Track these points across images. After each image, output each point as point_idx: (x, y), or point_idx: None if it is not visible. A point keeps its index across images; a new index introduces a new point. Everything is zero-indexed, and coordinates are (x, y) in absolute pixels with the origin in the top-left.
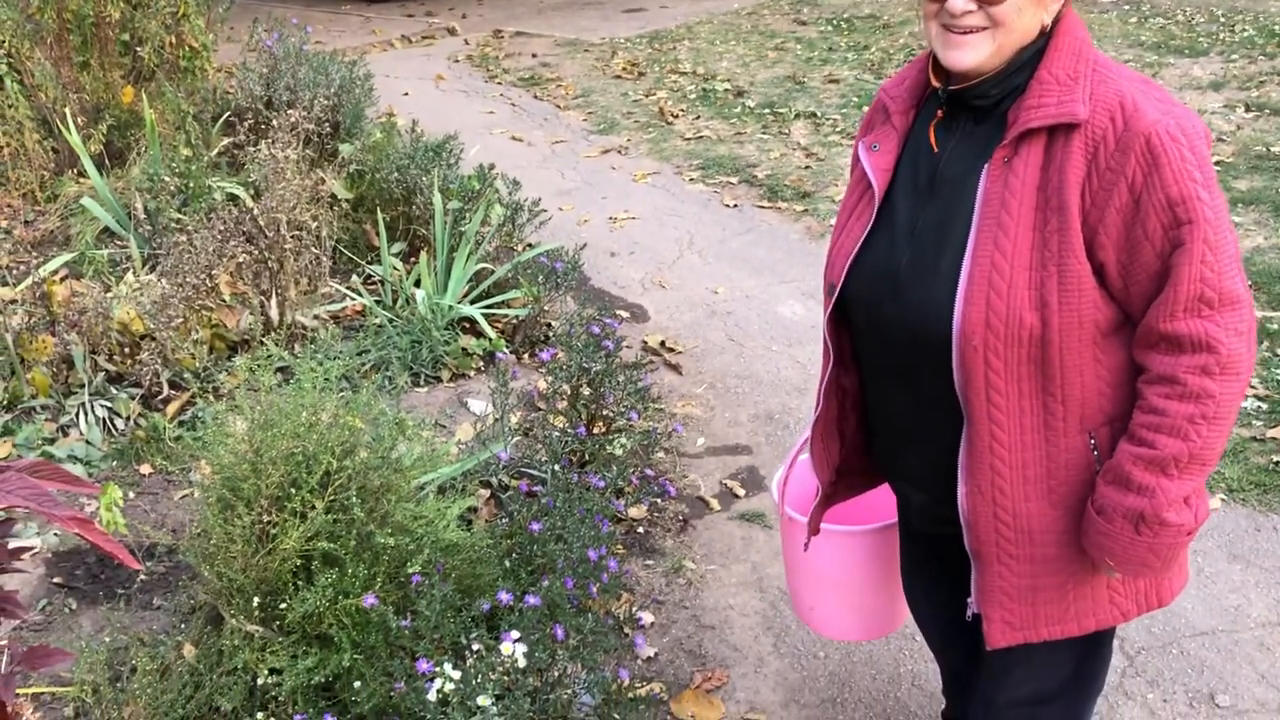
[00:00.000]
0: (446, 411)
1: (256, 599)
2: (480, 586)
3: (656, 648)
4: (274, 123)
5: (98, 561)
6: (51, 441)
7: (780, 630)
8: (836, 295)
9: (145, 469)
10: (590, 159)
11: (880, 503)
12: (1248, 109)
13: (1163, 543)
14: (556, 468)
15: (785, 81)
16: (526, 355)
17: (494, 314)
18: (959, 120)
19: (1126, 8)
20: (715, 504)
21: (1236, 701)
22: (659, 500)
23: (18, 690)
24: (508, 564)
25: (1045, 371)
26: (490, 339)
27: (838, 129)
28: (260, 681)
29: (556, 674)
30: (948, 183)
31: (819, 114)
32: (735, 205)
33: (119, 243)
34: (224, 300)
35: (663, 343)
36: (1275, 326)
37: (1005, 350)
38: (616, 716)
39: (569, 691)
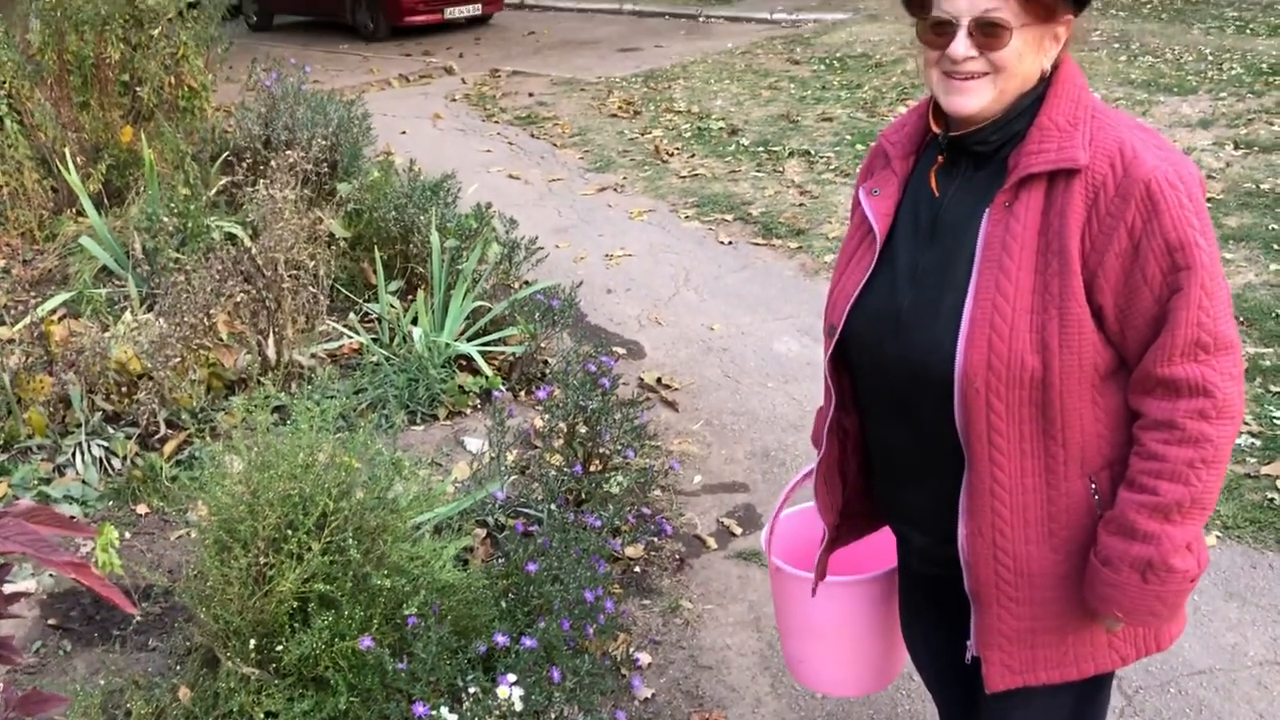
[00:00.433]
0: (443, 450)
1: (253, 641)
2: (476, 628)
3: (654, 689)
4: (272, 162)
5: (93, 603)
6: (48, 481)
7: (778, 670)
8: (838, 336)
9: (142, 509)
10: (587, 197)
11: (879, 547)
12: (1236, 146)
13: (1169, 590)
14: (553, 507)
15: (779, 120)
16: (523, 393)
17: (491, 351)
18: (959, 166)
19: (1116, 46)
20: (712, 542)
21: None
22: (656, 539)
23: None
24: (504, 605)
25: (1046, 414)
26: (487, 376)
27: (831, 167)
28: None
29: (553, 717)
30: (949, 227)
31: (813, 152)
32: (730, 242)
33: (117, 282)
34: (221, 340)
35: (659, 379)
36: (1268, 363)
37: (1007, 392)
38: None
39: None
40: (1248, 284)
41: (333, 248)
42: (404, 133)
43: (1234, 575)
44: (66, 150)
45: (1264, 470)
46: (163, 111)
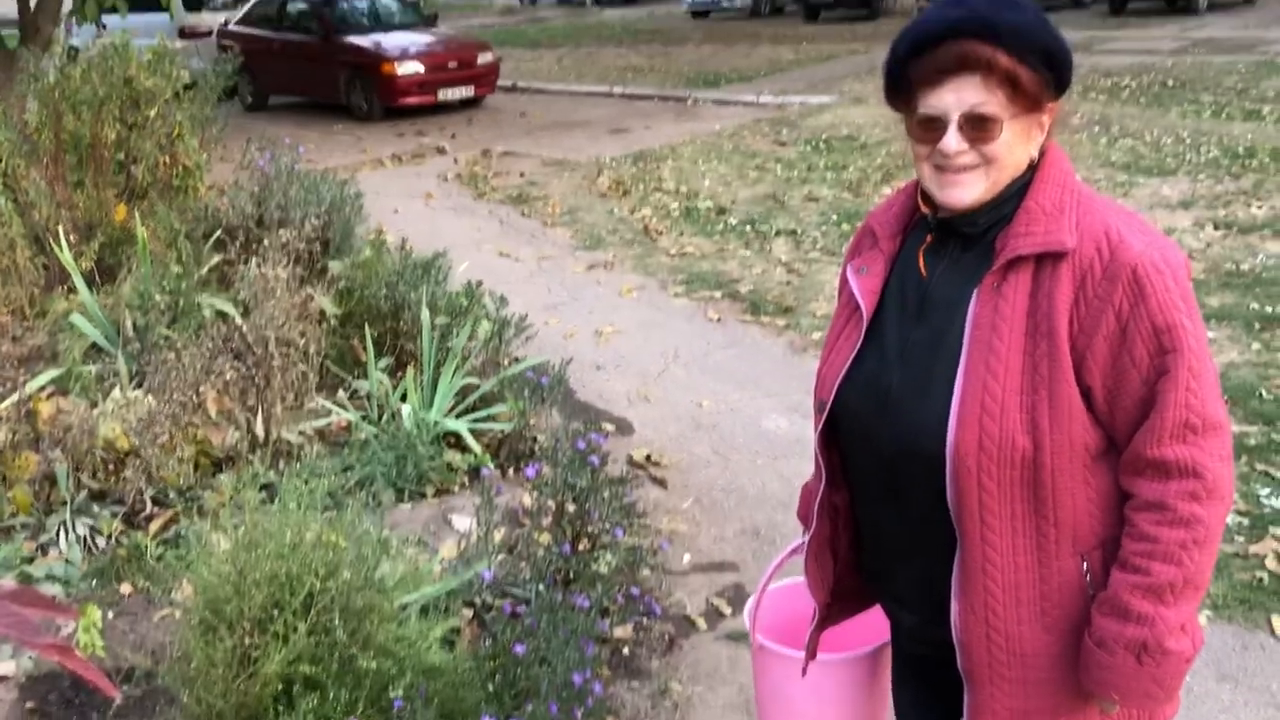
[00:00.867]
0: (430, 528)
1: None
2: (463, 711)
3: None
4: (265, 240)
5: (72, 686)
6: (30, 560)
7: None
8: (828, 412)
9: (126, 588)
10: (577, 274)
11: (867, 623)
12: (1216, 227)
13: (1165, 671)
14: (541, 587)
15: (766, 200)
16: (512, 470)
17: (480, 428)
18: (948, 246)
19: (1097, 129)
20: (702, 623)
21: None
22: (645, 619)
23: None
24: (491, 687)
25: (1038, 494)
26: (475, 454)
27: (818, 245)
28: None
29: None
30: (937, 306)
31: (799, 231)
32: (719, 319)
33: (107, 359)
34: (210, 417)
35: (648, 456)
36: (1253, 442)
37: (999, 472)
38: None
39: None
40: (1231, 363)
41: (323, 325)
42: (396, 211)
43: (1225, 656)
44: (60, 228)
45: (1252, 549)
46: (157, 190)
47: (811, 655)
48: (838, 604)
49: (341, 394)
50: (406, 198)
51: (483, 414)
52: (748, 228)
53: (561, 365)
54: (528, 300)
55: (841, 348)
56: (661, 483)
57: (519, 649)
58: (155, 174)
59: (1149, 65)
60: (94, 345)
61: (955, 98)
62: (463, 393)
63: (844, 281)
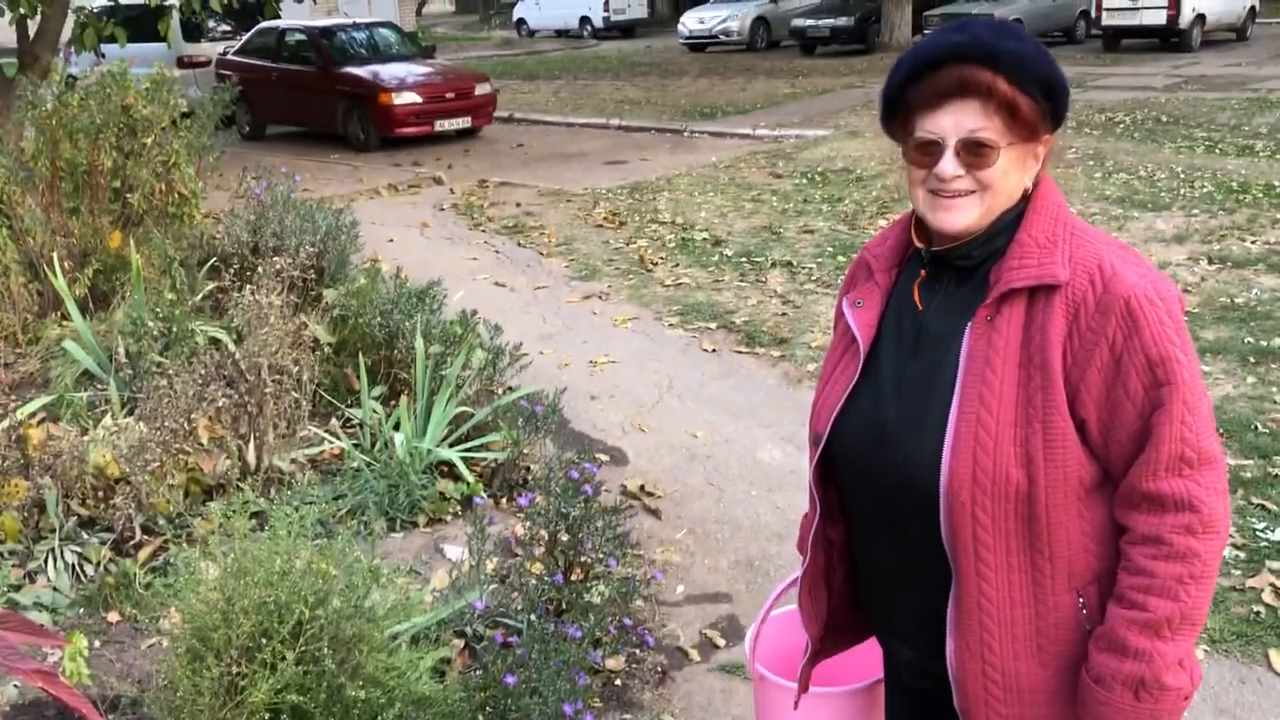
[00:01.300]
0: (422, 558)
1: None
2: None
3: None
4: (259, 268)
5: (58, 714)
6: (18, 588)
7: None
8: (823, 446)
9: (113, 616)
10: (572, 304)
11: (865, 657)
12: (1210, 261)
13: (1163, 708)
14: (533, 617)
15: (762, 231)
16: (505, 499)
17: (473, 458)
18: (942, 280)
19: (1091, 164)
20: (695, 654)
21: None
22: (637, 651)
23: None
24: (481, 718)
25: (1032, 528)
26: (468, 483)
27: (813, 277)
28: None
29: None
30: (932, 340)
31: (795, 263)
32: (714, 350)
33: (99, 386)
34: (202, 444)
35: (642, 487)
36: (1249, 475)
37: (993, 506)
38: None
39: None
40: (1226, 396)
41: (317, 353)
42: (391, 240)
43: (1223, 690)
44: (55, 254)
45: (1249, 583)
46: (152, 217)
47: (804, 688)
48: (831, 637)
49: (334, 422)
50: (402, 227)
51: (476, 443)
52: (743, 259)
53: (556, 395)
54: (522, 330)
55: (837, 381)
56: (655, 513)
57: (510, 679)
58: (151, 201)
59: (1143, 101)
60: (86, 372)
61: (953, 122)
62: (456, 421)
63: (839, 315)
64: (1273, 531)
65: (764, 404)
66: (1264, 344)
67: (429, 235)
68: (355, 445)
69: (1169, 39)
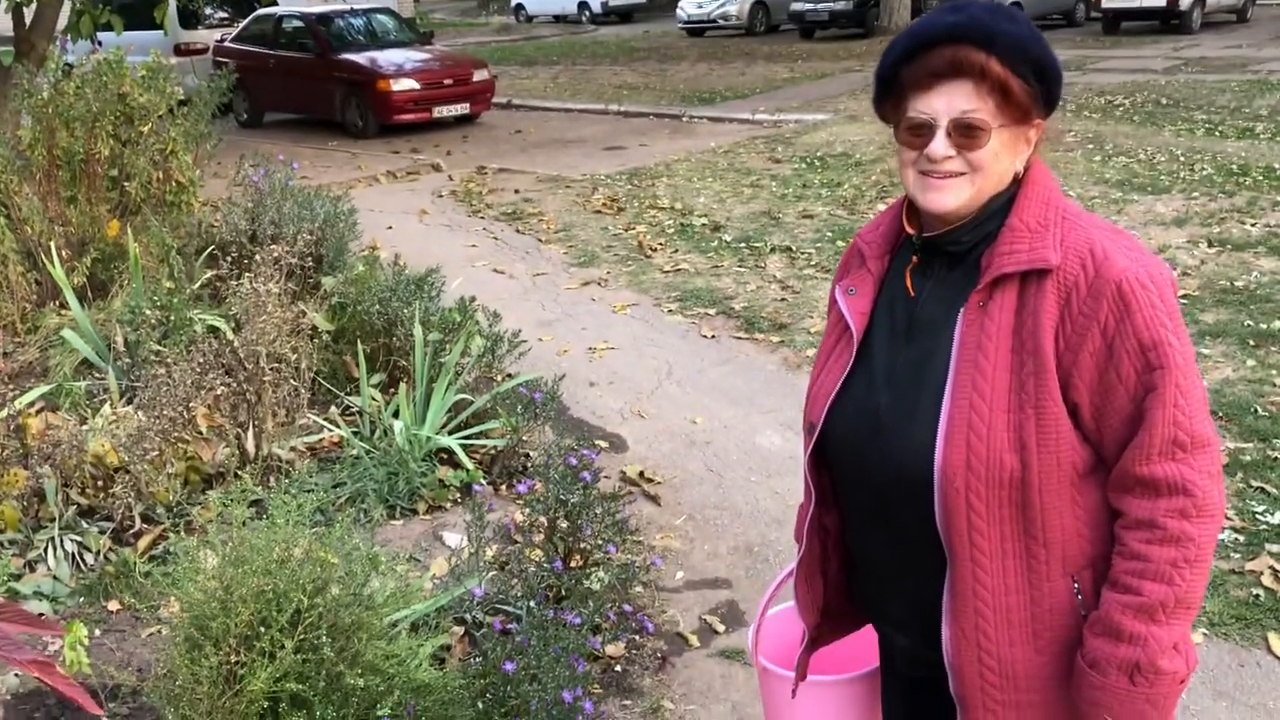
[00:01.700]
0: (421, 545)
1: None
2: None
3: None
4: (257, 256)
5: (58, 704)
6: (18, 577)
7: None
8: (817, 434)
9: (113, 605)
10: (570, 291)
11: (864, 645)
12: (1210, 244)
13: (1159, 692)
14: (532, 604)
15: (761, 217)
16: (504, 486)
17: (472, 445)
18: (934, 266)
19: (1091, 147)
20: (694, 640)
21: None
22: (637, 637)
23: None
24: (480, 705)
25: (1026, 514)
26: (468, 470)
27: (812, 263)
28: None
29: None
30: (925, 326)
31: (794, 248)
32: (713, 336)
33: (97, 375)
34: (200, 433)
35: (641, 473)
36: (1248, 458)
37: (987, 492)
38: None
39: None
40: (1225, 379)
41: (315, 341)
42: (390, 228)
43: (1221, 674)
44: (52, 244)
45: (1249, 566)
46: (150, 206)
47: (802, 676)
48: (828, 625)
49: (333, 410)
50: (401, 214)
51: (475, 430)
52: (742, 245)
53: (554, 382)
54: (521, 317)
55: (831, 369)
56: (654, 499)
57: (509, 666)
58: (148, 190)
59: (1142, 84)
60: (85, 361)
61: (945, 103)
62: (455, 409)
63: (833, 302)
64: (1272, 515)
65: (763, 390)
66: (1264, 327)
67: (427, 222)
68: (354, 433)
69: (1169, 21)
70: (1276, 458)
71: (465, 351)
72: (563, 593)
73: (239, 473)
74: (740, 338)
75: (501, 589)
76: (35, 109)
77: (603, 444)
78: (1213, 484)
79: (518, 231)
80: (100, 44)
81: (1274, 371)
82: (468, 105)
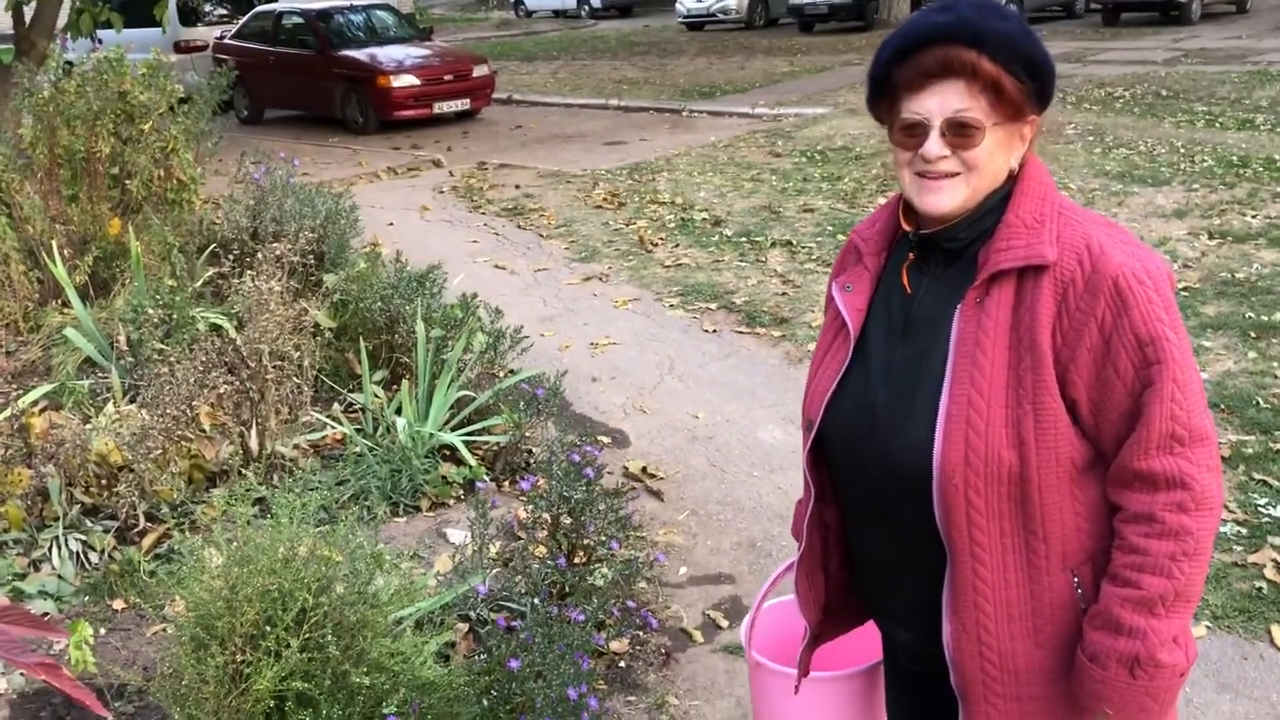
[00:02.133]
0: (425, 542)
1: None
2: None
3: None
4: (259, 254)
5: (64, 703)
6: (23, 577)
7: None
8: (815, 432)
9: (118, 604)
10: (572, 286)
11: (864, 640)
12: (1211, 236)
13: (1159, 685)
14: (536, 601)
15: (761, 211)
16: (507, 483)
17: (475, 441)
18: (930, 263)
19: (1091, 139)
20: (698, 636)
21: None
22: (641, 633)
23: None
24: (485, 703)
25: (1025, 510)
26: (470, 467)
27: (813, 257)
28: None
29: None
30: (922, 323)
31: (795, 242)
32: (715, 331)
33: (100, 374)
34: (204, 431)
35: (644, 469)
36: (1250, 451)
37: (985, 488)
38: None
39: None
40: (1227, 372)
41: (318, 338)
42: (391, 224)
43: (1225, 667)
44: (54, 242)
45: (1251, 559)
46: (151, 204)
47: (804, 673)
48: (830, 621)
49: (336, 407)
50: (402, 210)
51: (478, 426)
52: (743, 239)
53: (557, 377)
54: (523, 312)
55: (828, 366)
56: (658, 495)
57: (514, 663)
58: (150, 188)
59: (1142, 75)
60: (87, 359)
61: (938, 103)
62: (458, 405)
63: (830, 299)
64: (1274, 507)
65: (765, 384)
66: (1265, 319)
67: (428, 218)
68: (357, 430)
69: (1168, 12)
70: (1278, 450)
71: (467, 348)
72: (567, 589)
73: (242, 471)
74: (742, 332)
75: (505, 586)
76: (36, 107)
77: (605, 440)
78: (1211, 477)
79: (519, 227)
80: (100, 42)
81: (1275, 364)
82: (468, 101)
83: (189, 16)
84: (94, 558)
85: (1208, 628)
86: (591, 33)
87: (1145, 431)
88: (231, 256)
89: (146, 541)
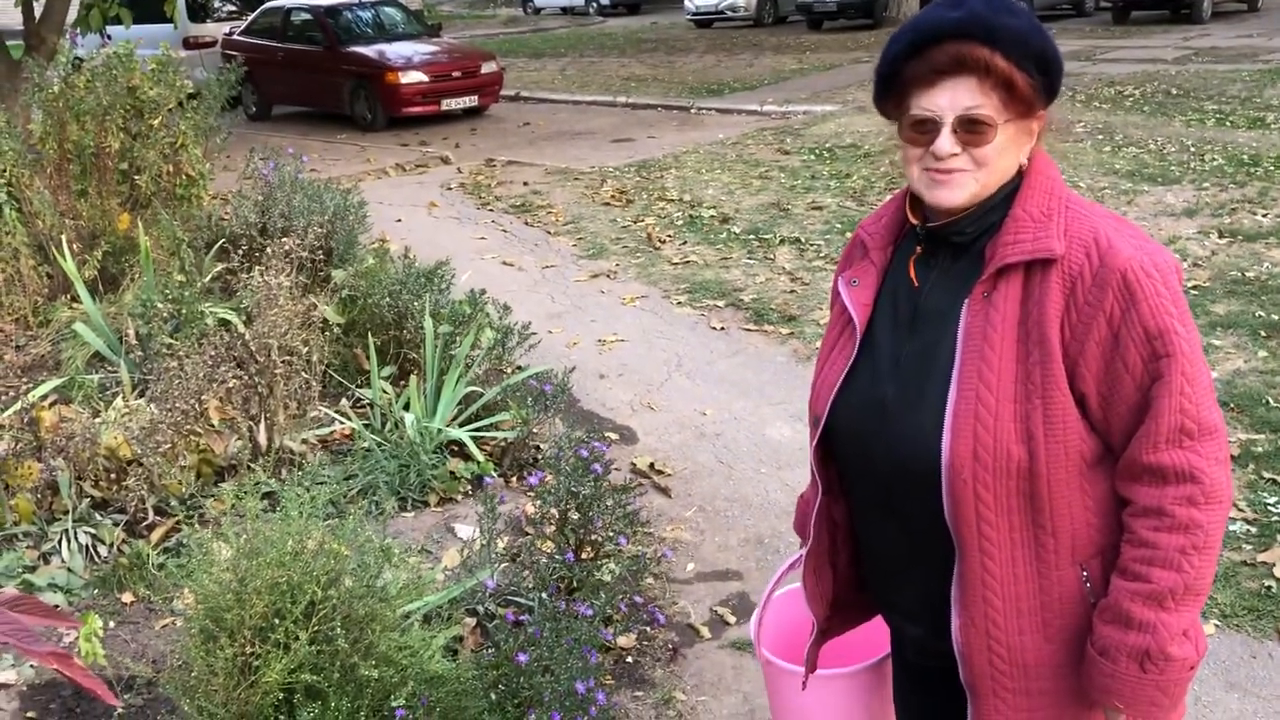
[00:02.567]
0: (433, 537)
1: None
2: None
3: None
4: (268, 249)
5: (74, 695)
6: (33, 569)
7: None
8: (822, 427)
9: (127, 597)
10: (580, 283)
11: (872, 633)
12: (1221, 235)
13: (1169, 679)
14: (544, 595)
15: (770, 208)
16: (515, 478)
17: (483, 437)
18: (938, 256)
19: (1100, 138)
20: (706, 631)
21: None
22: (648, 628)
23: None
24: (493, 696)
25: (1034, 504)
26: (478, 462)
27: (821, 254)
28: None
29: None
30: (929, 317)
31: (803, 240)
32: (722, 328)
33: (109, 368)
34: (213, 425)
35: (651, 465)
36: (1260, 449)
37: (994, 483)
38: None
39: None
40: (1237, 370)
41: (326, 334)
42: (399, 220)
43: (1234, 665)
44: (64, 237)
45: (1260, 557)
46: (160, 199)
47: (811, 669)
48: (837, 617)
49: (344, 402)
50: (410, 207)
51: (486, 422)
52: (751, 237)
53: (564, 374)
54: (531, 309)
55: (835, 361)
56: (665, 491)
57: (522, 658)
58: (159, 183)
59: (1152, 73)
60: (97, 354)
61: (950, 99)
62: (465, 401)
63: (835, 294)
64: None
65: (773, 381)
66: (1275, 318)
67: (437, 215)
68: (365, 425)
69: (1179, 11)
70: None
71: (475, 344)
72: (574, 584)
73: (251, 465)
74: (749, 329)
75: (513, 580)
76: (46, 103)
77: (613, 436)
78: (1220, 471)
79: (526, 224)
80: (109, 37)
81: None
82: (476, 98)
83: (198, 12)
84: (103, 551)
85: (1217, 626)
86: (600, 30)
87: (1154, 425)
88: (240, 252)
89: (155, 535)
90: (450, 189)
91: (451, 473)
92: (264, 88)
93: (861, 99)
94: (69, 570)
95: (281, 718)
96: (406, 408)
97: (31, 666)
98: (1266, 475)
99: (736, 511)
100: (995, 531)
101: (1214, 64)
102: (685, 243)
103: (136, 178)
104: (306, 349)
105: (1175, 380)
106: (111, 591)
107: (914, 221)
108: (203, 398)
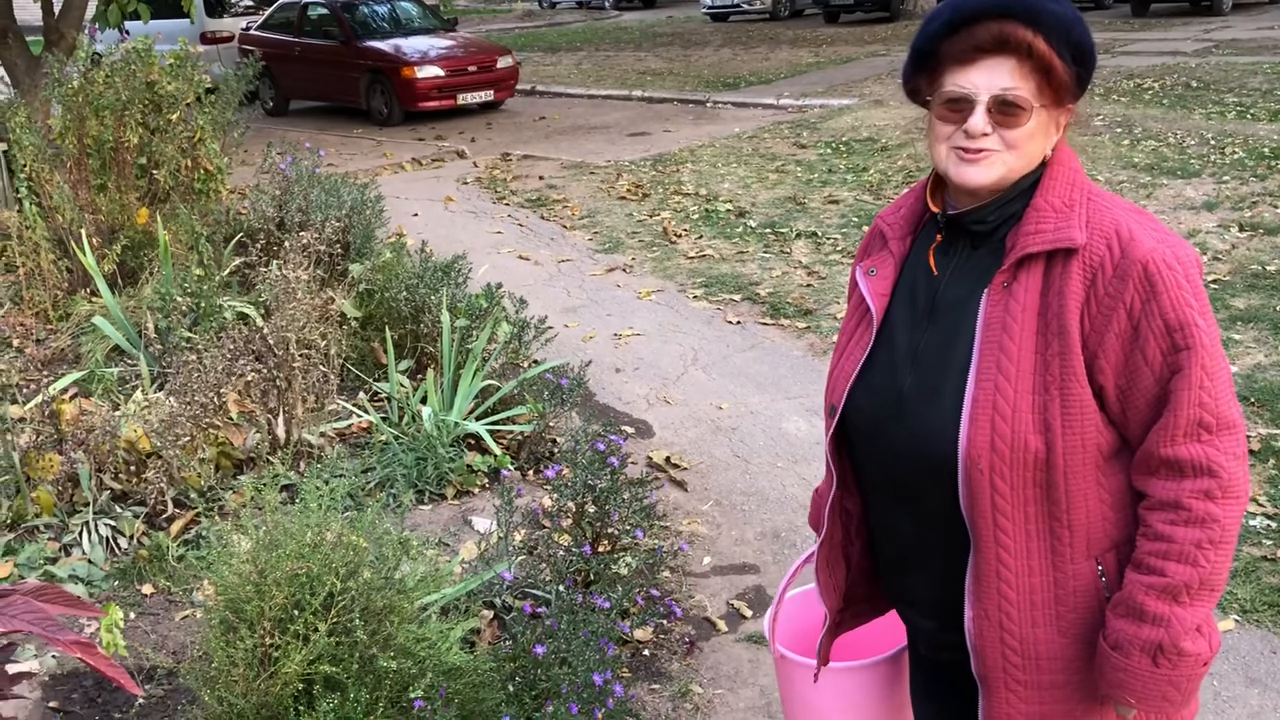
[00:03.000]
0: (450, 530)
1: None
2: (483, 712)
3: None
4: (285, 243)
5: (95, 685)
6: (54, 561)
7: None
8: (839, 417)
9: (147, 589)
10: (596, 277)
11: (887, 626)
12: (1241, 229)
13: (1181, 674)
14: (561, 588)
15: (786, 202)
16: (531, 472)
17: (499, 430)
18: (957, 245)
19: (1119, 131)
20: (722, 625)
21: None
22: (665, 621)
23: None
24: (511, 688)
25: (1051, 496)
26: (495, 456)
27: (838, 248)
28: None
29: None
30: (948, 307)
31: (819, 234)
32: (738, 322)
33: (129, 361)
34: (231, 419)
35: (668, 459)
36: None
37: (1011, 474)
38: None
39: None
40: (1258, 365)
41: (344, 327)
42: (416, 215)
43: (1254, 660)
44: (83, 231)
45: None
46: (179, 194)
47: (824, 662)
48: (850, 610)
49: (362, 396)
50: (426, 201)
51: (502, 416)
52: (767, 230)
53: (581, 368)
54: (547, 303)
55: (852, 351)
56: (681, 485)
57: (539, 650)
58: (177, 178)
59: (1172, 66)
60: (116, 347)
61: (987, 78)
62: (482, 395)
63: (853, 284)
64: None
65: (789, 375)
66: None
67: (453, 209)
68: (383, 419)
69: (1199, 2)
70: None
71: (492, 338)
72: (591, 577)
73: (270, 458)
74: (766, 324)
75: (530, 573)
76: (65, 98)
77: (629, 430)
78: (1238, 465)
79: (542, 218)
80: (128, 33)
81: None
82: (492, 92)
83: (215, 8)
84: (123, 543)
85: (1236, 621)
86: (615, 24)
87: (1172, 418)
88: (258, 246)
89: (175, 527)
90: (466, 183)
91: (469, 466)
92: (281, 83)
93: (878, 93)
94: (90, 562)
95: (301, 708)
96: (424, 401)
97: (54, 656)
98: None
99: (753, 505)
100: (1011, 523)
101: (1235, 56)
102: (701, 237)
103: (155, 172)
104: (324, 342)
105: (1194, 374)
106: (132, 583)
107: (934, 209)
108: (221, 391)
